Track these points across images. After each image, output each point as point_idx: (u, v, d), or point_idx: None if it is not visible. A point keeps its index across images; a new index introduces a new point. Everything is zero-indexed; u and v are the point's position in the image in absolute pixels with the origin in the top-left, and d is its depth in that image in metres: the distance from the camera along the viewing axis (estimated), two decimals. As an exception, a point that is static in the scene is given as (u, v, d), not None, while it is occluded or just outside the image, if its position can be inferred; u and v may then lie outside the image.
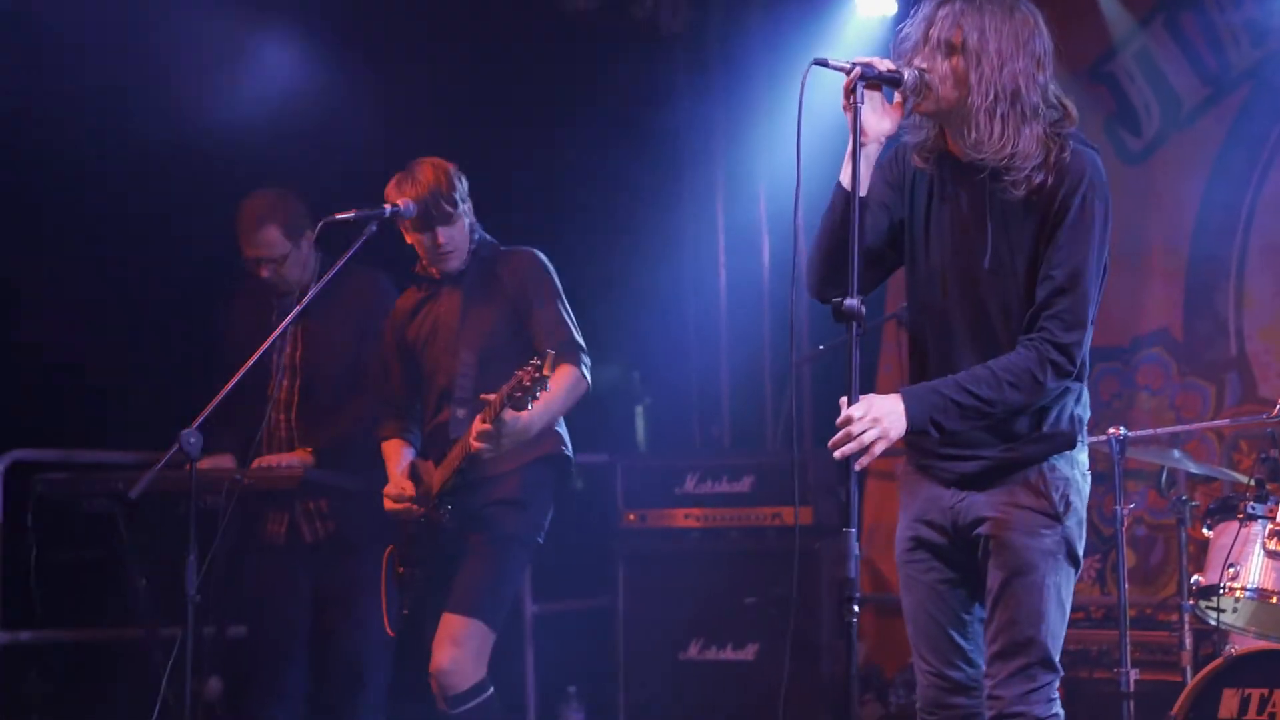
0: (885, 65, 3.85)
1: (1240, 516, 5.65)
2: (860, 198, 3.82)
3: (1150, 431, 5.88)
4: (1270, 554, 5.56)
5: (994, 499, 3.98)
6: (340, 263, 5.46)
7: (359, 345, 6.07)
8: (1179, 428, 6.72)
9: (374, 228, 5.40)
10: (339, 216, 5.39)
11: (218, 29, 7.08)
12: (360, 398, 5.98)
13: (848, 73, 3.82)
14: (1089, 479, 4.07)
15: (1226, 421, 6.38)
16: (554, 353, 5.03)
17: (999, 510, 3.96)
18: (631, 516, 7.98)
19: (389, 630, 5.60)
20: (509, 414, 5.10)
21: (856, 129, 3.82)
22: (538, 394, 4.99)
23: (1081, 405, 4.05)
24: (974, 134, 3.86)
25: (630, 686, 7.89)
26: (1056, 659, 3.98)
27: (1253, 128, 8.11)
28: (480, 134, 6.62)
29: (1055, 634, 3.97)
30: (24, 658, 6.80)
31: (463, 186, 5.58)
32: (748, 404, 9.28)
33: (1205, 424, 6.85)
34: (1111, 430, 5.60)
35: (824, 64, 3.82)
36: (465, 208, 5.57)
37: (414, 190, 5.45)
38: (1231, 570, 5.57)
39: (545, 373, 4.94)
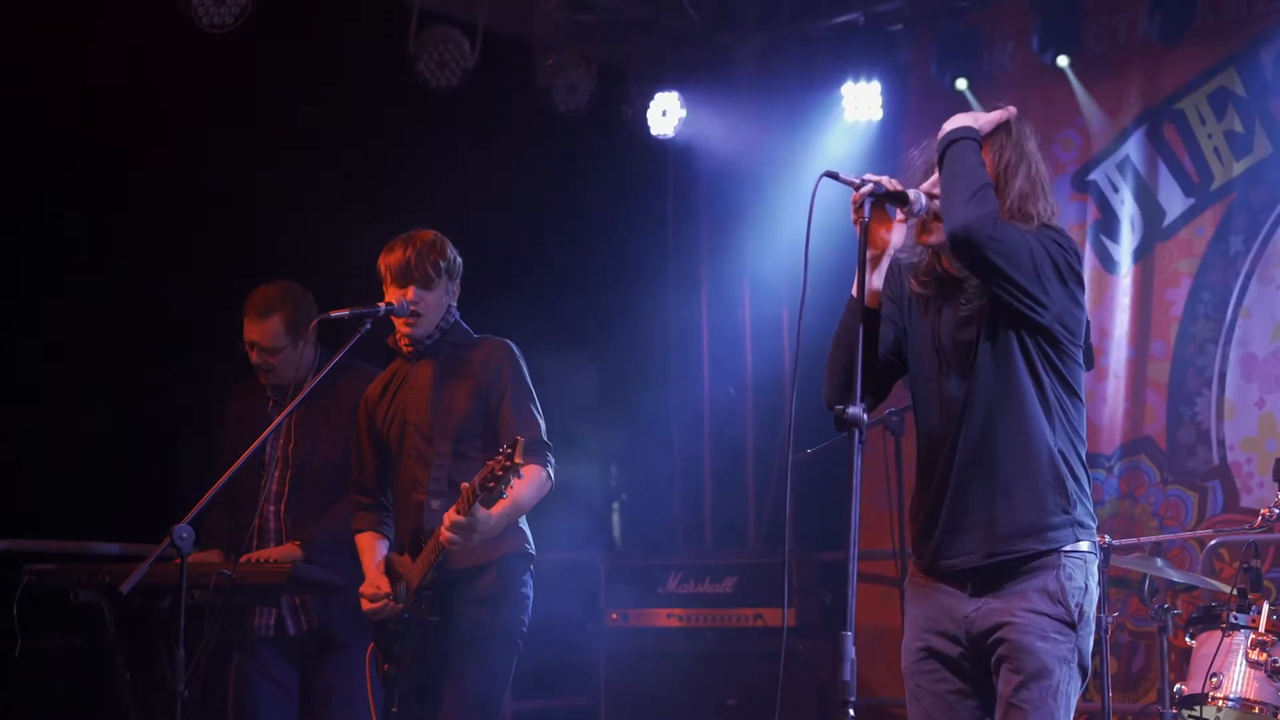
0: (894, 184, 3.94)
1: (1223, 626, 5.69)
2: (871, 309, 3.91)
3: (1135, 540, 5.94)
4: (1253, 664, 5.61)
5: (1011, 605, 3.99)
6: (335, 359, 5.48)
7: (349, 443, 6.07)
8: (1163, 536, 6.78)
9: (368, 325, 5.43)
10: (334, 314, 5.43)
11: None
12: (349, 497, 5.97)
13: (857, 188, 3.90)
14: (1099, 588, 4.14)
15: (1210, 531, 6.42)
16: (523, 440, 5.03)
17: (1016, 616, 3.98)
18: (614, 615, 7.98)
19: (378, 729, 5.57)
20: (480, 512, 5.10)
21: (864, 241, 3.90)
22: (510, 481, 5.00)
23: (1091, 503, 4.11)
24: None
25: (613, 786, 7.86)
26: None
27: (1235, 239, 8.22)
28: (471, 226, 6.64)
29: None
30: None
31: (454, 264, 5.62)
32: (730, 505, 9.31)
33: (1188, 533, 6.91)
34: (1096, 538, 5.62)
35: (835, 177, 3.90)
36: (449, 284, 5.59)
37: (403, 247, 5.50)
38: (1214, 679, 5.61)
39: (517, 460, 4.94)
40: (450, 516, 5.14)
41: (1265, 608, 5.65)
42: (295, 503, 6.11)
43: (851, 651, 3.58)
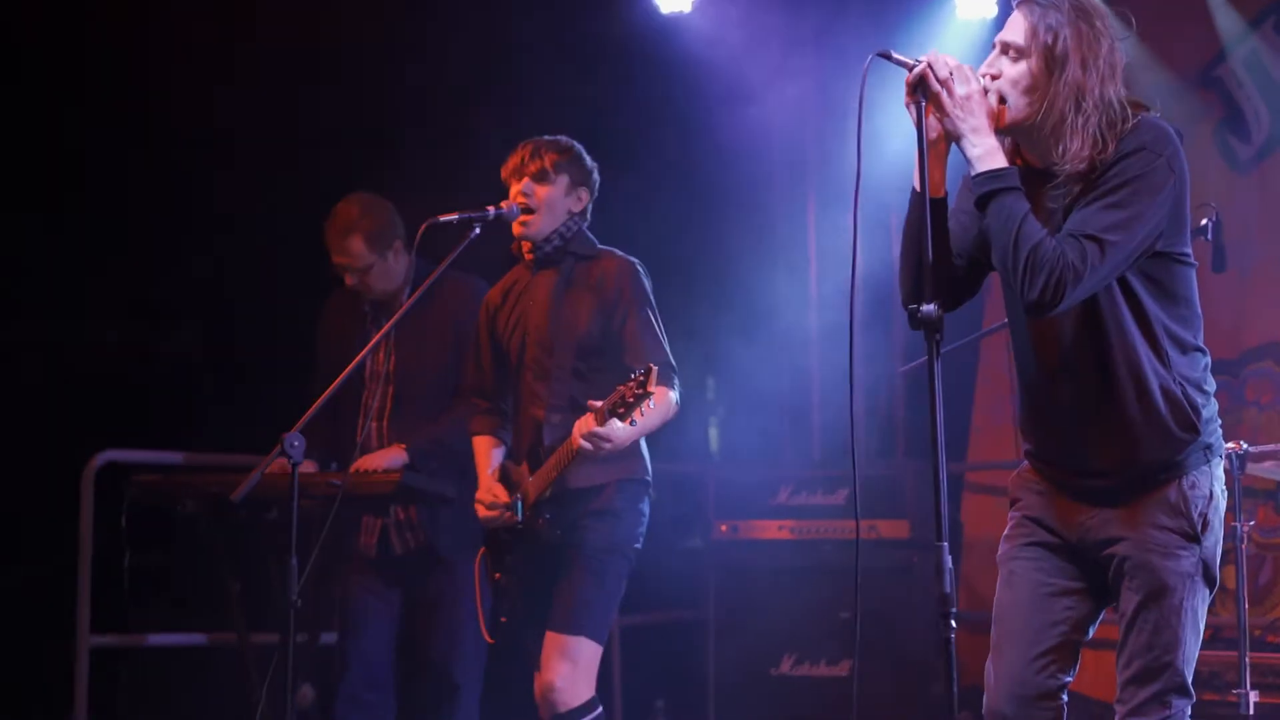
0: (952, 66, 3.68)
1: (1365, 536, 5.46)
2: (937, 199, 3.69)
3: (1272, 446, 5.68)
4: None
5: (1130, 516, 3.81)
6: (439, 269, 5.35)
7: (455, 353, 5.97)
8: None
9: (477, 231, 5.30)
10: (441, 219, 5.29)
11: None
12: (457, 405, 5.86)
13: (910, 68, 3.68)
14: (1226, 494, 3.91)
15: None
16: (655, 368, 4.92)
17: (1136, 530, 3.80)
18: (724, 528, 7.85)
19: (488, 638, 5.48)
20: (616, 424, 5.00)
21: (922, 128, 3.67)
22: (640, 409, 4.91)
23: (1216, 416, 3.89)
24: (1060, 144, 3.72)
25: (720, 702, 7.77)
26: (1190, 684, 3.82)
27: (1367, 135, 7.91)
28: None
29: (1190, 659, 3.82)
30: (115, 661, 6.75)
31: (583, 169, 5.50)
32: (837, 416, 9.12)
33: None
34: (1230, 445, 5.40)
35: (888, 57, 3.68)
36: (571, 187, 5.46)
37: (525, 145, 5.43)
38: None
39: (649, 389, 4.85)
40: (589, 424, 5.04)
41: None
42: (398, 417, 6.05)
43: (948, 561, 3.45)
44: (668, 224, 8.25)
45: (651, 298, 5.43)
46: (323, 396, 5.00)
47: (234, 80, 7.12)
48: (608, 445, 5.07)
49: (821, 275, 9.12)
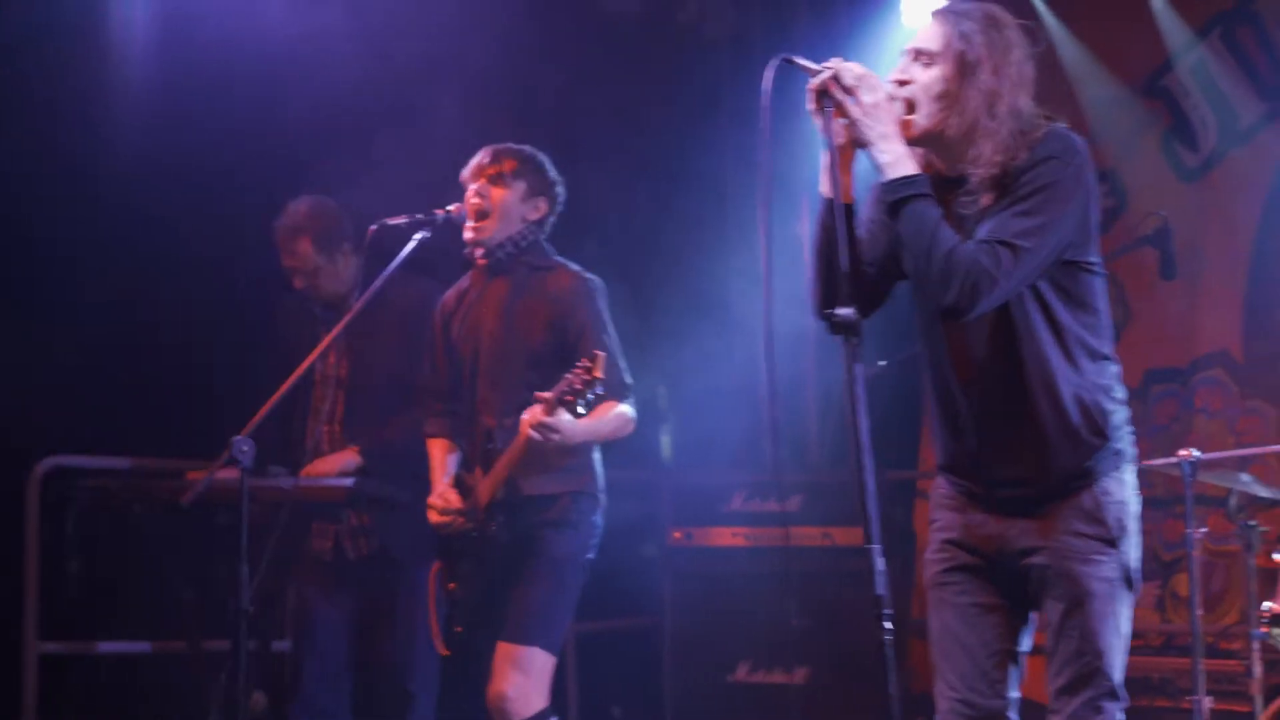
0: (857, 70, 3.66)
1: (1315, 542, 5.51)
2: (846, 204, 3.67)
3: (1222, 454, 5.72)
4: (1346, 580, 5.42)
5: (1046, 526, 3.82)
6: (388, 271, 5.33)
7: (408, 357, 5.93)
8: (1254, 449, 6.55)
9: (427, 234, 5.28)
10: (390, 222, 5.29)
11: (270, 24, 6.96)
12: (411, 408, 5.84)
13: (815, 74, 3.66)
14: (1139, 499, 3.91)
15: (1300, 443, 6.21)
16: (602, 355, 4.95)
17: (1053, 538, 3.81)
18: (678, 534, 7.84)
19: (442, 649, 5.46)
20: (565, 415, 5.01)
21: (830, 134, 3.66)
22: (589, 398, 4.92)
23: (1128, 421, 3.90)
24: (972, 149, 3.73)
25: (677, 709, 7.74)
26: (1121, 688, 3.83)
27: (1314, 144, 7.97)
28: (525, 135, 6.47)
29: (1119, 664, 3.82)
30: (63, 669, 6.69)
31: (541, 176, 5.49)
32: (791, 422, 9.12)
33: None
34: (1183, 452, 5.46)
35: (792, 63, 3.66)
36: (528, 194, 5.45)
37: (505, 149, 5.41)
38: (1307, 597, 5.43)
39: (596, 374, 4.88)
40: (537, 414, 5.02)
41: (1360, 522, 5.45)
42: (350, 420, 6.02)
43: (880, 564, 3.43)
44: (622, 226, 8.23)
45: (606, 315, 5.42)
46: (271, 400, 4.97)
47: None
48: (556, 436, 5.05)
49: (777, 280, 9.10)
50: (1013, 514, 3.86)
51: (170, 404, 6.97)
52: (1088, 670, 3.78)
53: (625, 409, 5.30)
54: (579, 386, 4.89)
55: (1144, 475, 7.83)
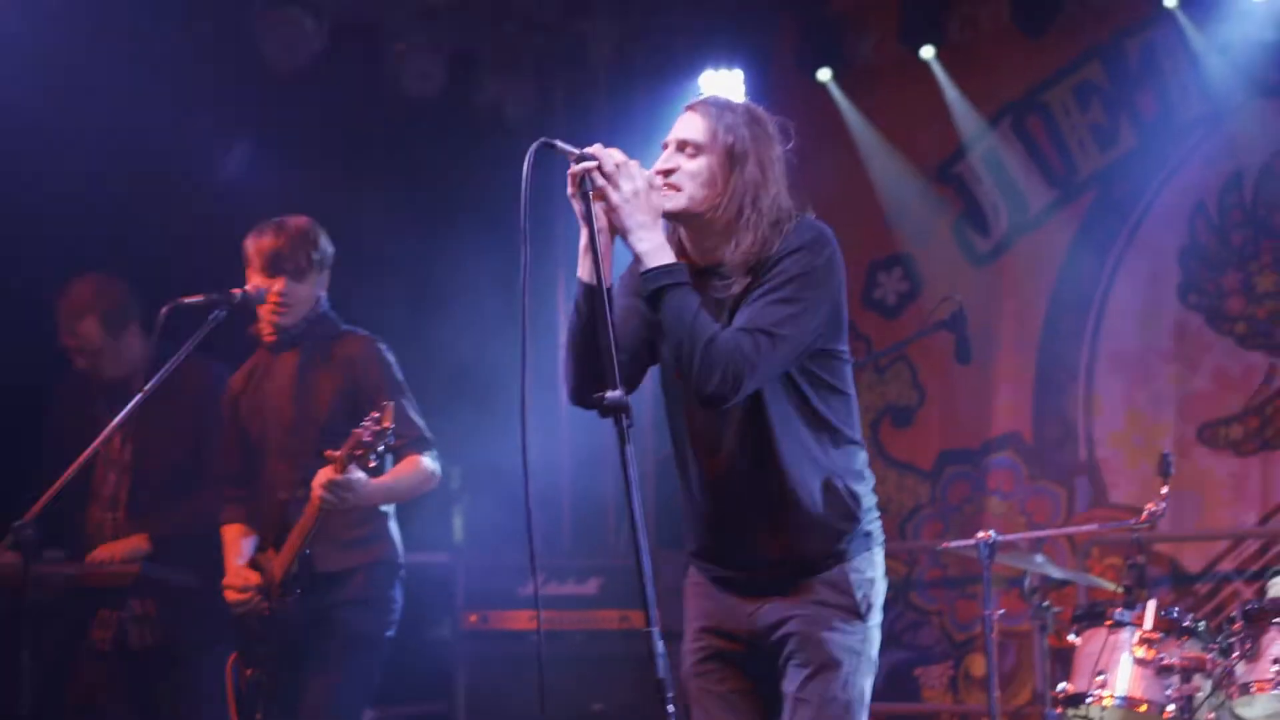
0: (618, 157, 3.66)
1: (1109, 623, 5.58)
2: (606, 288, 3.64)
3: (1019, 535, 5.79)
4: (1139, 661, 5.51)
5: (796, 599, 3.83)
6: (182, 352, 5.17)
7: (194, 441, 5.79)
8: (1051, 531, 6.65)
9: (221, 313, 5.14)
10: (186, 301, 5.13)
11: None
12: (200, 494, 5.68)
13: (576, 160, 3.66)
14: (886, 581, 3.94)
15: (1093, 527, 6.34)
16: (391, 405, 4.85)
17: (803, 608, 3.82)
18: (473, 618, 7.73)
19: (241, 740, 5.28)
20: (358, 474, 4.91)
21: (591, 219, 3.65)
22: (380, 449, 4.82)
23: (876, 507, 3.93)
24: (733, 239, 3.74)
25: (472, 798, 7.60)
26: None
27: (1100, 232, 8.19)
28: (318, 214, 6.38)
29: None
30: None
31: (326, 254, 5.39)
32: (589, 506, 9.07)
33: (1076, 529, 6.81)
34: (981, 534, 5.51)
35: (551, 146, 3.64)
36: (319, 276, 5.36)
37: (276, 234, 5.27)
38: (1100, 678, 5.49)
39: (386, 424, 4.78)
40: (327, 474, 4.90)
41: (1151, 604, 5.54)
42: (136, 506, 5.82)
43: (660, 647, 3.42)
44: (410, 305, 8.14)
45: (399, 375, 5.36)
46: (56, 485, 4.79)
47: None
48: (349, 495, 4.93)
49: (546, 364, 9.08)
50: (764, 594, 3.86)
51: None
52: None
53: (426, 462, 5.22)
54: (368, 439, 4.78)
55: (937, 556, 8.02)
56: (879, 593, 3.88)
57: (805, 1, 8.79)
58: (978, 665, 8.07)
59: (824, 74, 8.72)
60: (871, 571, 3.86)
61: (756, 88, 8.81)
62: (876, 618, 3.87)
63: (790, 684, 3.81)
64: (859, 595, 3.82)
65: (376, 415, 4.79)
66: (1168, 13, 7.85)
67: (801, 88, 8.66)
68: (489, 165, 8.75)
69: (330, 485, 4.90)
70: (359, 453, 4.82)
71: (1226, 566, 7.74)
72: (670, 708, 3.40)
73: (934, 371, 8.44)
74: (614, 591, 7.62)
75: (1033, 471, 8.20)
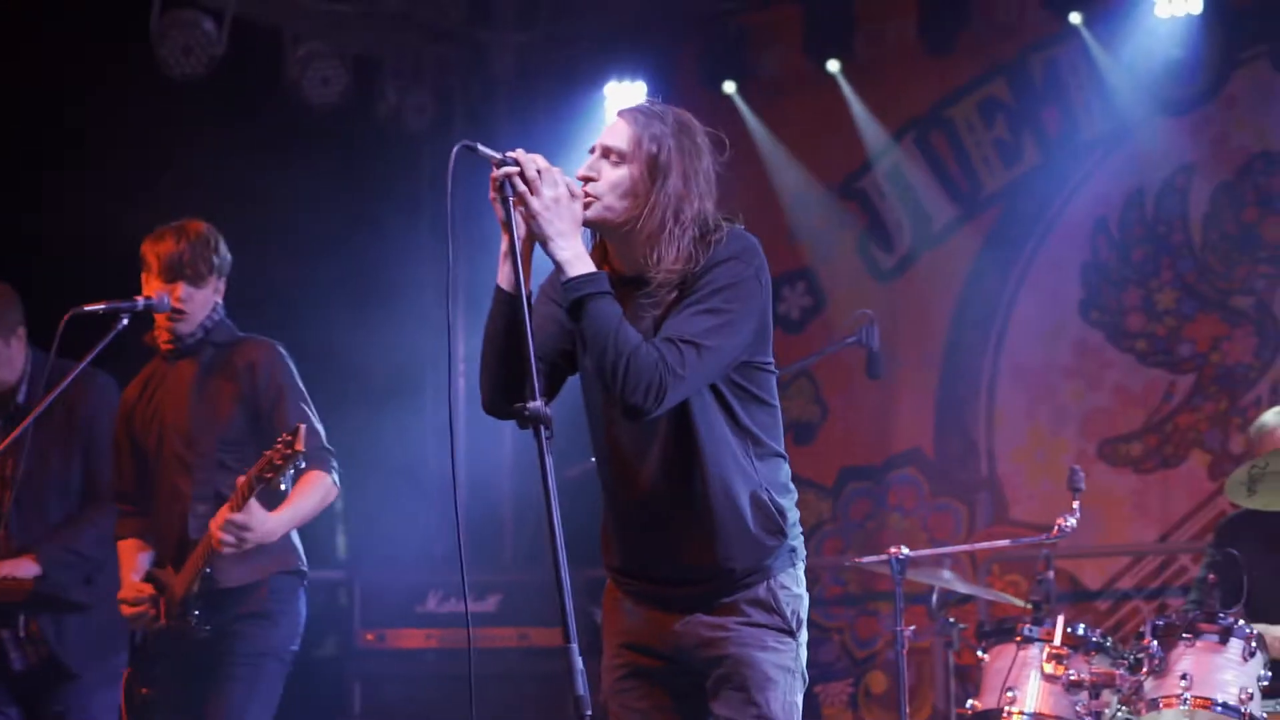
0: (540, 163, 3.57)
1: (1018, 639, 5.54)
2: (525, 294, 3.54)
3: (930, 551, 5.75)
4: (1048, 677, 5.47)
5: (724, 619, 3.74)
6: (84, 363, 5.01)
7: (84, 454, 5.61)
8: (960, 548, 6.65)
9: (125, 322, 4.99)
10: (88, 308, 4.97)
11: None
12: (91, 507, 5.53)
13: (498, 164, 3.55)
14: (807, 596, 3.87)
15: (1006, 543, 6.31)
16: (304, 427, 4.70)
17: (731, 630, 3.73)
18: (369, 636, 7.59)
19: (135, 761, 5.12)
20: (257, 510, 4.78)
21: (511, 225, 3.54)
22: (290, 472, 4.69)
23: (799, 522, 3.85)
24: (655, 252, 3.63)
25: (368, 819, 7.47)
26: None
27: (1003, 249, 8.22)
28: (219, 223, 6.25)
29: None
30: None
31: (225, 260, 5.25)
32: (484, 522, 8.95)
33: (987, 545, 6.77)
34: (892, 550, 5.46)
35: (473, 150, 3.54)
36: (217, 281, 5.22)
37: (174, 239, 5.12)
38: (1010, 694, 5.45)
39: (298, 448, 4.63)
40: (224, 514, 4.78)
41: (1060, 620, 5.51)
42: (21, 523, 5.61)
43: (579, 663, 3.32)
44: (313, 315, 7.99)
45: (299, 381, 5.22)
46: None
47: None
48: (250, 535, 4.81)
49: (470, 372, 8.96)
50: (687, 610, 3.76)
51: None
52: None
53: (328, 478, 5.08)
54: (279, 462, 4.65)
55: (838, 572, 7.99)
56: (805, 608, 3.81)
57: (710, 13, 8.74)
58: (878, 682, 8.06)
59: (729, 86, 8.68)
60: (797, 588, 3.79)
61: (660, 99, 8.74)
62: (804, 634, 3.80)
63: (728, 708, 3.71)
64: (788, 612, 3.74)
65: (289, 438, 4.64)
66: (1073, 30, 7.89)
67: (706, 100, 8.60)
68: (390, 176, 8.73)
69: (228, 526, 4.79)
70: (269, 475, 4.69)
71: (1126, 584, 7.78)
72: None
73: (836, 387, 8.41)
74: (513, 609, 7.52)
75: (934, 488, 8.20)
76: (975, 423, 8.18)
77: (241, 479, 4.77)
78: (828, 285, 8.60)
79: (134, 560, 5.23)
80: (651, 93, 8.63)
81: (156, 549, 5.24)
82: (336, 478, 5.13)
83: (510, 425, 8.79)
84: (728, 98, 8.64)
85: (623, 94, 8.67)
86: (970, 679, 6.46)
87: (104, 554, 5.39)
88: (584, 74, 8.88)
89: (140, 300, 5.05)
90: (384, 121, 8.77)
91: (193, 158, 7.43)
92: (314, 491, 5.02)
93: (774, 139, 8.54)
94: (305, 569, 5.21)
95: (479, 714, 7.05)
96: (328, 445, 5.14)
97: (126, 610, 5.08)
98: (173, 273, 5.13)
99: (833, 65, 8.41)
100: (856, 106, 8.41)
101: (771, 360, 3.79)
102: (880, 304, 8.29)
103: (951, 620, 6.07)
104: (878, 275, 8.52)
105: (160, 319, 5.15)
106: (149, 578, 5.15)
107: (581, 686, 3.31)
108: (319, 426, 5.15)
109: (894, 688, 7.85)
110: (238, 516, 4.77)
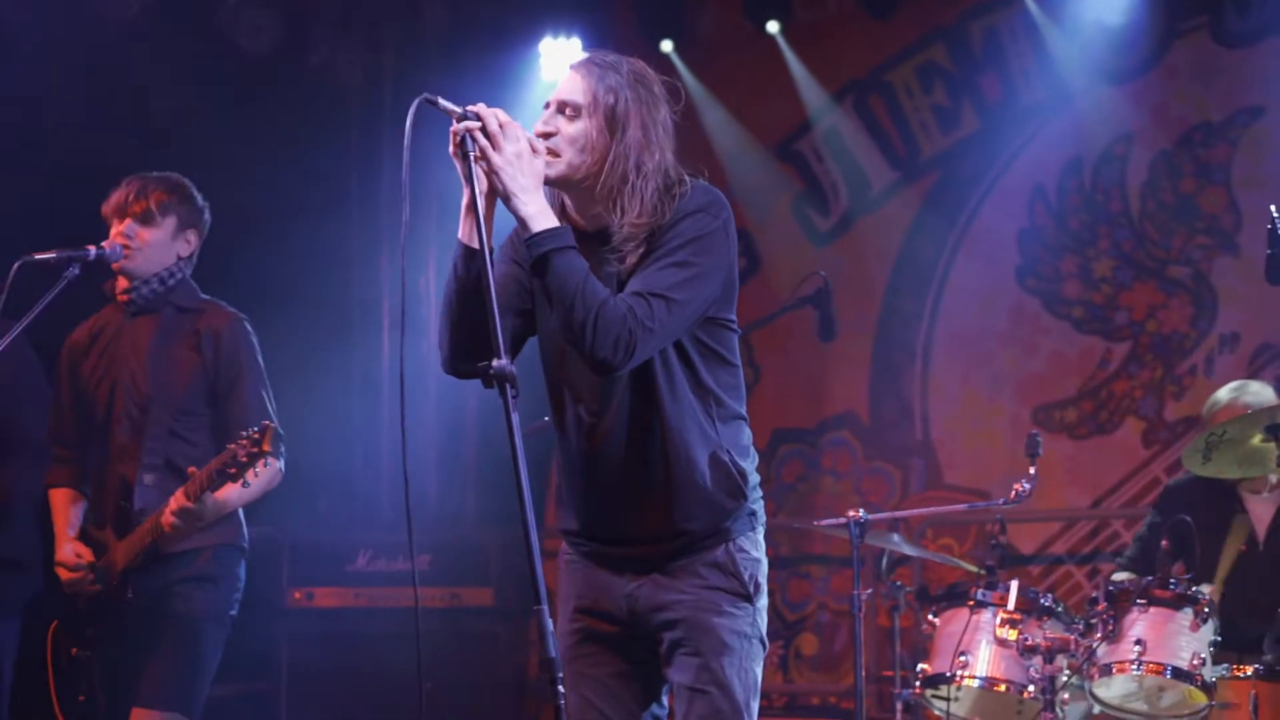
0: (502, 118, 3.50)
1: (970, 604, 5.55)
2: (487, 249, 3.47)
3: (885, 515, 5.73)
4: (1000, 642, 5.48)
5: (680, 582, 3.69)
6: (34, 311, 4.84)
7: (6, 401, 5.43)
8: (914, 511, 6.66)
9: (75, 270, 4.85)
10: (39, 256, 4.82)
11: None
12: (23, 452, 5.38)
13: (459, 119, 3.48)
14: (766, 561, 3.81)
15: (963, 506, 6.29)
16: (273, 427, 4.63)
17: (688, 593, 3.67)
18: (297, 595, 7.48)
19: (60, 718, 4.97)
20: (210, 500, 4.72)
21: (473, 180, 3.49)
22: (252, 469, 4.60)
23: (759, 486, 3.81)
24: (618, 206, 3.59)
25: (296, 778, 7.36)
26: None
27: (940, 214, 8.21)
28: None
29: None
30: None
31: (191, 211, 5.13)
32: (418, 476, 8.83)
33: (943, 509, 6.79)
34: (851, 513, 5.43)
35: (433, 103, 3.46)
36: (178, 230, 5.09)
37: (130, 182, 5.05)
38: (962, 659, 5.45)
39: (265, 448, 4.56)
40: (179, 500, 4.70)
41: (1014, 585, 5.51)
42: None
43: (550, 624, 3.24)
44: (241, 265, 7.84)
45: (260, 362, 5.11)
46: None
47: None
48: (200, 521, 4.78)
49: (392, 328, 8.85)
50: (643, 571, 3.71)
51: None
52: None
53: (277, 463, 4.97)
54: (244, 460, 4.58)
55: (769, 534, 7.96)
56: (764, 573, 3.75)
57: (646, -32, 8.65)
58: (809, 644, 8.05)
59: (666, 45, 8.60)
60: (756, 551, 3.73)
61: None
62: (764, 599, 3.74)
63: (682, 674, 3.66)
64: (745, 576, 3.68)
65: (256, 436, 4.57)
66: (1015, -4, 7.89)
67: (643, 58, 8.45)
68: (321, 126, 8.55)
69: (181, 513, 4.71)
70: (231, 471, 4.61)
71: (1059, 549, 7.83)
72: (561, 689, 3.24)
73: (770, 350, 8.38)
74: (444, 568, 7.43)
75: (869, 452, 8.20)
76: (910, 387, 8.17)
77: (201, 470, 4.68)
78: (764, 247, 8.56)
79: (67, 513, 5.13)
80: (587, 48, 8.52)
81: (93, 505, 5.13)
82: (283, 463, 5.03)
83: (434, 386, 8.71)
84: (665, 56, 8.56)
85: (558, 50, 8.55)
86: (905, 641, 6.49)
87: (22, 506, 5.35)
88: (517, 30, 8.74)
89: (92, 249, 4.91)
90: (315, 73, 8.61)
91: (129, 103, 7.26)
92: (264, 476, 4.88)
93: (712, 99, 8.46)
94: (246, 545, 5.14)
95: (406, 672, 7.01)
96: (280, 431, 5.03)
97: (63, 574, 4.98)
98: (120, 211, 5.02)
99: (772, 26, 8.36)
100: (796, 68, 8.36)
101: (735, 318, 3.74)
102: (816, 267, 8.21)
103: (899, 583, 6.07)
104: (814, 238, 8.48)
105: (117, 268, 5.02)
106: (85, 536, 5.04)
107: (553, 648, 3.25)
108: (273, 409, 5.06)
109: (825, 650, 7.89)
110: (191, 506, 4.70)
